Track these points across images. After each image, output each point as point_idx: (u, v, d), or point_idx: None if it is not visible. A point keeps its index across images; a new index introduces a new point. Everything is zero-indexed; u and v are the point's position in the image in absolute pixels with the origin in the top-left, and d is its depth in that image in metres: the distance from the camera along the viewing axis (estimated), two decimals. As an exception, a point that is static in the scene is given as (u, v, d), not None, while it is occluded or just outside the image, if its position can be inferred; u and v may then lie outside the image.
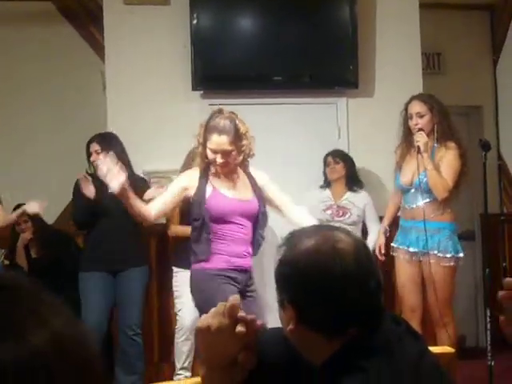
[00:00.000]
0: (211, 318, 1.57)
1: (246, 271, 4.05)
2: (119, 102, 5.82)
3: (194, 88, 5.81)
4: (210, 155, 3.97)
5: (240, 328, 1.54)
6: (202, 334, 1.58)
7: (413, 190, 4.85)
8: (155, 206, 4.08)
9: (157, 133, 5.79)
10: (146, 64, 5.87)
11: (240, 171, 4.14)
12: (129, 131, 5.65)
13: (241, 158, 4.05)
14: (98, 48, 6.29)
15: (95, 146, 5.14)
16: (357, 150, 5.93)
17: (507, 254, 6.52)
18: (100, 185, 5.03)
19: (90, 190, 4.98)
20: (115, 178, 3.83)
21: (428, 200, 4.80)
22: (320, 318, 1.56)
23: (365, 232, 5.68)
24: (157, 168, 5.67)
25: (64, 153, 6.00)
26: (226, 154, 3.95)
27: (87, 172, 5.19)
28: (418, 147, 4.73)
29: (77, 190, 5.15)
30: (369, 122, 6.06)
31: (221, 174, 4.04)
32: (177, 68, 5.86)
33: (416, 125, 4.84)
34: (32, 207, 5.02)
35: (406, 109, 4.99)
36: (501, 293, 1.23)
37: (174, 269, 5.35)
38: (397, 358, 1.52)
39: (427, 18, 6.24)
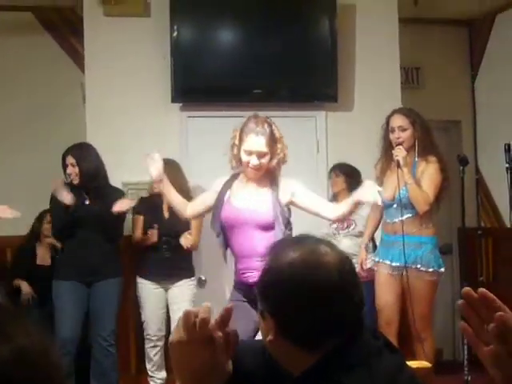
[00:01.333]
0: (181, 332, 1.54)
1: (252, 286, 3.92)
2: (99, 113, 5.81)
3: (174, 100, 5.81)
4: (245, 157, 3.90)
5: (219, 334, 1.53)
6: (172, 348, 1.57)
7: (395, 206, 4.85)
8: (194, 204, 4.17)
9: (136, 145, 5.77)
10: (125, 76, 5.86)
11: (266, 179, 4.02)
12: (108, 143, 5.64)
13: (274, 162, 3.97)
14: (79, 59, 6.27)
15: (71, 159, 5.11)
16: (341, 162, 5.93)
17: (484, 268, 6.56)
18: (76, 195, 5.03)
19: (65, 196, 4.95)
20: (154, 165, 3.97)
21: (410, 215, 4.81)
22: (300, 330, 1.56)
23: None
24: (136, 180, 5.66)
25: (43, 165, 5.96)
26: (261, 155, 3.89)
27: (64, 182, 5.16)
28: (398, 162, 4.74)
29: (54, 199, 5.12)
30: (348, 135, 6.08)
31: (248, 179, 3.99)
32: (156, 80, 5.86)
33: (398, 138, 4.85)
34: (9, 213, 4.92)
35: (387, 122, 4.99)
36: (458, 302, 1.24)
37: (138, 279, 5.47)
38: (375, 372, 1.52)
39: (406, 32, 6.29)
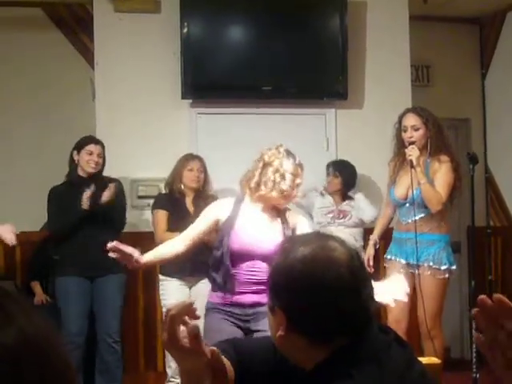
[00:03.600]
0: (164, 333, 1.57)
1: (244, 306, 3.74)
2: (108, 109, 5.82)
3: (184, 96, 5.81)
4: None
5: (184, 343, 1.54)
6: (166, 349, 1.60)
7: (407, 205, 4.85)
8: (186, 238, 3.82)
9: (146, 141, 5.79)
10: (135, 72, 5.87)
11: (276, 210, 3.81)
12: (118, 139, 5.65)
13: (295, 194, 3.80)
14: (88, 55, 6.28)
15: (98, 149, 5.16)
16: (340, 159, 5.94)
17: (493, 267, 6.55)
18: (78, 192, 5.04)
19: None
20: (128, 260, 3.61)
21: (423, 215, 4.81)
22: (311, 325, 1.57)
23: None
24: (145, 176, 5.67)
25: (53, 162, 5.96)
26: (297, 186, 3.73)
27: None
28: (411, 161, 4.73)
29: (57, 196, 5.14)
30: (357, 133, 6.08)
31: (263, 208, 3.77)
32: (166, 76, 5.86)
33: (410, 137, 4.83)
34: (9, 239, 4.84)
35: (399, 121, 4.98)
36: (473, 310, 1.24)
37: (160, 277, 5.35)
38: (385, 367, 1.53)
39: (417, 30, 6.27)
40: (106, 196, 5.01)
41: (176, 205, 5.34)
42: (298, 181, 3.69)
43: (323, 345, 1.57)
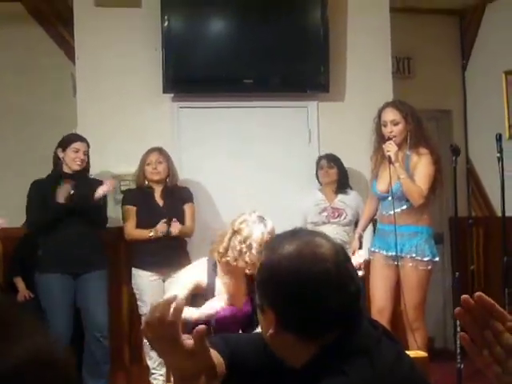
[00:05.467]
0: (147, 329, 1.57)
1: None
2: (89, 104, 5.79)
3: (165, 91, 5.80)
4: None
5: (186, 346, 1.54)
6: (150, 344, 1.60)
7: (389, 198, 4.86)
8: None
9: (128, 136, 5.77)
10: (116, 66, 5.84)
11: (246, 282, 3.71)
12: (99, 134, 5.63)
13: None
14: (69, 50, 6.24)
15: (84, 147, 5.19)
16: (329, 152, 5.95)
17: (475, 257, 6.60)
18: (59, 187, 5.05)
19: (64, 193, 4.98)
20: None
21: (405, 207, 4.83)
22: (300, 321, 1.57)
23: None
24: (127, 171, 5.65)
25: (34, 156, 5.93)
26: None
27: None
28: (389, 157, 4.75)
29: (37, 190, 5.14)
30: (339, 125, 6.10)
31: (230, 281, 3.66)
32: (148, 70, 5.84)
33: (390, 132, 4.84)
34: None
35: (379, 116, 4.99)
36: (457, 309, 1.26)
37: (133, 270, 5.39)
38: (376, 361, 1.54)
39: (397, 22, 6.29)
40: (101, 190, 5.02)
41: (144, 200, 5.40)
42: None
43: (313, 341, 1.58)
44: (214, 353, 1.67)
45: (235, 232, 3.53)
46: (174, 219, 5.24)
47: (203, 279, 3.66)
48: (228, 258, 3.52)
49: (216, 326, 3.58)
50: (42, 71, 6.36)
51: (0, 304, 0.88)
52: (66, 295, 5.06)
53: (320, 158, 5.87)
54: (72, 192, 5.01)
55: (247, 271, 3.53)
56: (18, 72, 6.32)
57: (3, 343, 0.80)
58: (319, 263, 1.57)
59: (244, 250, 3.47)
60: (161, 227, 5.23)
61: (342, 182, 5.81)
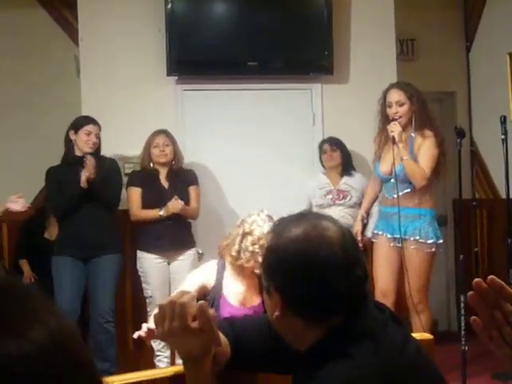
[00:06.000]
0: (162, 321, 1.62)
1: None
2: (93, 86, 5.78)
3: (169, 73, 5.79)
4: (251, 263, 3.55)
5: (194, 324, 1.59)
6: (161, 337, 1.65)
7: (392, 180, 4.87)
8: None
9: (131, 118, 5.77)
10: (120, 49, 5.83)
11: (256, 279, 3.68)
12: (104, 116, 5.61)
13: None
14: (72, 32, 6.23)
15: (96, 129, 5.18)
16: (331, 136, 5.94)
17: (479, 239, 6.60)
18: (73, 172, 5.06)
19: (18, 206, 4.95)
20: None
21: (408, 190, 4.83)
22: (306, 304, 1.58)
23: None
24: (132, 153, 5.65)
25: (39, 139, 5.95)
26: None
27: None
28: (393, 138, 4.74)
29: (55, 176, 5.15)
30: (343, 107, 6.09)
31: (243, 278, 3.65)
32: (152, 53, 5.83)
33: (396, 113, 4.84)
34: (15, 206, 4.88)
35: (384, 97, 4.98)
36: (469, 294, 1.27)
37: (138, 253, 5.39)
38: (382, 344, 1.55)
39: (401, 4, 6.26)
40: (84, 176, 5.01)
41: (150, 181, 5.39)
42: None
43: (319, 324, 1.59)
44: (219, 335, 1.69)
45: (246, 234, 3.52)
46: (175, 197, 5.21)
47: (210, 281, 3.65)
48: (242, 261, 3.51)
49: None
50: (45, 54, 6.36)
51: (14, 287, 0.88)
52: (74, 278, 5.08)
53: (323, 142, 5.86)
54: (93, 176, 5.01)
55: (257, 271, 3.48)
56: (21, 55, 6.32)
57: (19, 326, 0.81)
58: (326, 246, 1.58)
59: (257, 250, 3.45)
60: (173, 204, 5.19)
61: (347, 165, 5.81)
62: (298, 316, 1.59)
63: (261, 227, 3.51)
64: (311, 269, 1.57)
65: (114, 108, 5.80)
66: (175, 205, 5.18)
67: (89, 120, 5.21)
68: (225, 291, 3.65)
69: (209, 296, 3.65)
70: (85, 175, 4.98)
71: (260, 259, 3.40)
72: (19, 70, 6.32)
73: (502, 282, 1.25)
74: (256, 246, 3.47)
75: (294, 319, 1.59)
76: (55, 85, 6.30)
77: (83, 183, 4.98)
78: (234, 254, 3.53)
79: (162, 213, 5.22)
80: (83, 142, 5.14)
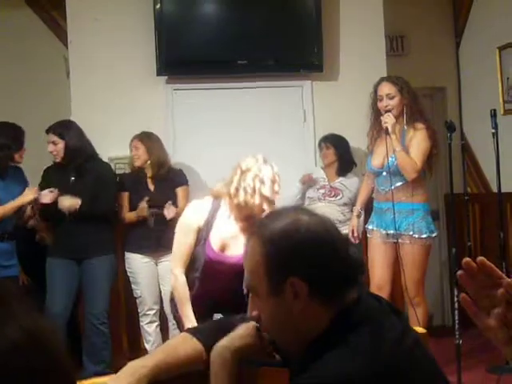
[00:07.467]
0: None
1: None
2: (83, 87, 5.78)
3: (159, 73, 5.78)
4: (265, 205, 3.53)
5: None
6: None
7: (384, 173, 4.88)
8: (184, 261, 3.68)
9: (122, 119, 5.77)
10: (110, 49, 5.83)
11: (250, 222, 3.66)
12: (94, 118, 5.63)
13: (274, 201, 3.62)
14: (61, 33, 6.21)
15: (52, 137, 5.10)
16: (322, 132, 5.96)
17: (472, 234, 6.61)
18: (62, 174, 5.04)
19: (43, 196, 4.96)
20: None
21: (400, 183, 4.83)
22: (330, 281, 1.59)
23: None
24: (122, 154, 5.65)
25: (27, 138, 5.91)
26: (276, 193, 3.57)
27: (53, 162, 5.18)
28: (386, 128, 4.76)
29: (46, 178, 5.18)
30: (334, 104, 6.09)
31: (239, 219, 3.64)
32: (141, 53, 5.83)
33: (386, 106, 4.86)
34: (45, 200, 4.94)
35: (375, 91, 4.99)
36: (459, 272, 1.28)
37: (126, 254, 5.45)
38: (381, 333, 1.55)
39: (390, 1, 6.27)
40: (63, 204, 5.00)
41: (136, 184, 5.44)
42: (276, 187, 3.55)
43: (337, 303, 1.59)
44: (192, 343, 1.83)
45: (244, 172, 3.52)
46: (169, 202, 5.24)
47: (201, 222, 3.63)
48: (241, 198, 3.50)
49: (204, 269, 3.59)
50: (34, 55, 6.34)
51: None
52: (65, 279, 5.06)
53: (320, 140, 5.89)
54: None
55: (261, 209, 3.52)
56: (10, 56, 6.30)
57: None
58: (331, 228, 1.66)
59: (258, 184, 3.47)
60: (140, 208, 5.27)
61: (342, 164, 5.82)
62: (318, 298, 1.58)
63: (258, 165, 3.53)
64: (321, 245, 1.60)
65: (105, 109, 5.79)
66: (170, 212, 5.23)
67: (47, 129, 5.15)
68: (212, 233, 3.62)
69: (199, 235, 3.64)
70: (65, 209, 4.97)
71: (264, 192, 3.45)
72: (7, 71, 6.29)
73: (492, 264, 1.26)
74: (257, 180, 3.48)
75: (313, 304, 1.58)
76: (44, 86, 6.28)
77: (66, 212, 4.98)
78: (232, 191, 3.53)
79: (134, 215, 5.33)
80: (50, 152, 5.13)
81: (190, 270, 3.69)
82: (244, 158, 3.61)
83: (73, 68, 5.81)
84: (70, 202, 4.96)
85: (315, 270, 1.58)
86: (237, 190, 3.52)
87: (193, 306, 3.63)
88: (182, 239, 3.69)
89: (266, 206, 3.52)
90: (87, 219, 5.02)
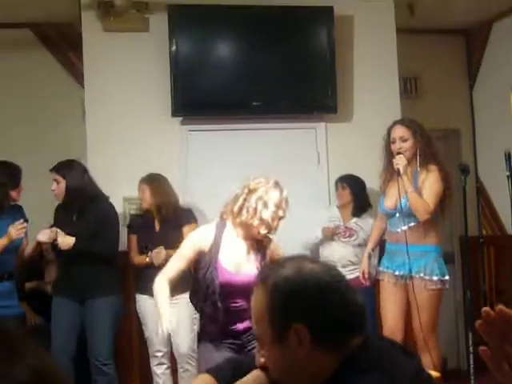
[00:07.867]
0: None
1: (238, 333, 3.71)
2: (99, 128, 5.82)
3: (174, 114, 5.82)
4: (262, 229, 3.56)
5: None
6: None
7: (397, 215, 4.86)
8: (171, 275, 3.72)
9: (137, 159, 5.78)
10: (125, 90, 5.88)
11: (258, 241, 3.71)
12: (109, 158, 5.66)
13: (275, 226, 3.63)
14: (78, 75, 6.28)
15: (54, 176, 5.13)
16: (336, 174, 5.95)
17: (487, 277, 6.56)
18: (66, 213, 5.07)
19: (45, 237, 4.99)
20: None
21: (412, 224, 4.81)
22: (332, 328, 1.60)
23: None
24: (135, 195, 5.64)
25: (45, 183, 5.94)
26: (279, 218, 3.58)
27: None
28: (398, 170, 4.75)
29: (55, 217, 5.20)
30: (348, 146, 6.10)
31: (243, 238, 3.67)
32: (156, 94, 5.87)
33: (399, 148, 4.85)
34: (43, 238, 4.96)
35: (388, 133, 4.99)
36: (477, 322, 1.26)
37: (136, 295, 5.43)
38: (394, 376, 1.54)
39: (404, 42, 6.31)
40: (42, 238, 5.00)
41: (145, 226, 5.46)
42: (280, 213, 3.54)
43: (339, 350, 1.59)
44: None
45: (251, 191, 3.53)
46: (160, 247, 5.21)
47: (207, 246, 3.62)
48: (243, 217, 3.51)
49: (221, 290, 3.57)
50: (50, 96, 6.40)
51: (2, 328, 0.91)
52: (69, 319, 5.05)
53: (336, 180, 5.91)
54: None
55: (259, 232, 3.52)
56: (27, 98, 6.37)
57: (4, 364, 0.85)
58: (336, 275, 1.68)
59: (260, 207, 3.47)
60: (155, 256, 5.22)
61: (358, 205, 5.81)
62: (322, 345, 1.59)
63: (266, 188, 3.52)
64: (327, 292, 1.61)
65: (120, 149, 5.82)
66: (158, 256, 5.19)
67: (51, 168, 5.18)
68: (221, 255, 3.61)
69: (204, 260, 3.61)
70: (60, 246, 4.97)
71: (264, 216, 3.44)
72: (25, 112, 6.37)
73: (510, 311, 1.24)
74: (260, 203, 3.48)
75: (317, 351, 1.58)
76: (60, 127, 6.33)
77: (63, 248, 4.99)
78: (235, 210, 3.54)
79: (148, 259, 5.29)
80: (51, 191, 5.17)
81: (197, 299, 3.72)
82: (256, 177, 3.63)
83: (88, 108, 5.85)
84: (62, 239, 4.95)
85: (317, 316, 1.58)
86: (240, 209, 3.54)
87: (222, 327, 3.64)
88: (181, 254, 3.70)
89: (263, 231, 3.53)
90: (88, 258, 5.01)
